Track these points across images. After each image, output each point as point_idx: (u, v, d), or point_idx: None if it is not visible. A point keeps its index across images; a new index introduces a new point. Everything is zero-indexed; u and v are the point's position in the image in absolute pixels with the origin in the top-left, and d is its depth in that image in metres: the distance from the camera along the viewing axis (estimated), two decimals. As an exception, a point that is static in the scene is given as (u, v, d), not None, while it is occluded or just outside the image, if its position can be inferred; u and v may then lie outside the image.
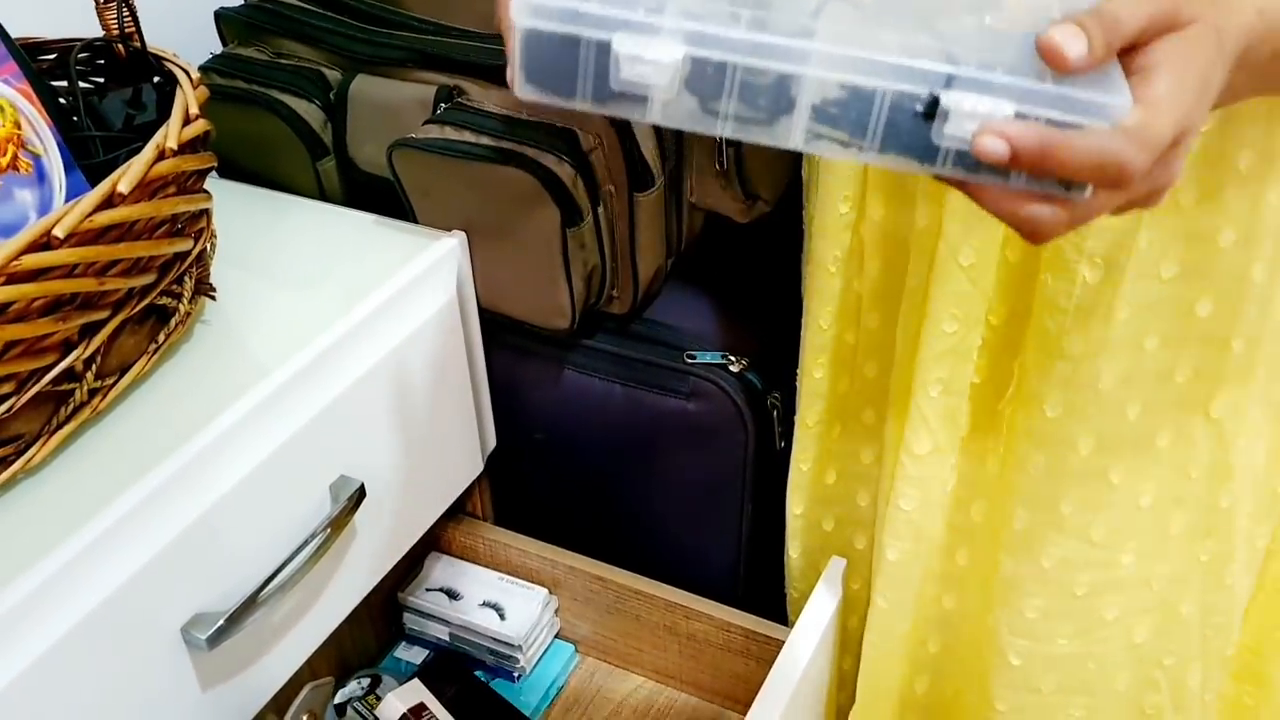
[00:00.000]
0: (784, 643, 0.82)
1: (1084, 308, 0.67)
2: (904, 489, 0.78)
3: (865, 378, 0.83)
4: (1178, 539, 0.74)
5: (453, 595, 1.02)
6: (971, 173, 0.47)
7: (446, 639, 1.02)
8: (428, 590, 1.03)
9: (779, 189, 0.93)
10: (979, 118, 0.45)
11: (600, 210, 0.86)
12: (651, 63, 0.46)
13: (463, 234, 0.90)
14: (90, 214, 0.64)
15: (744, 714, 0.78)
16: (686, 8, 0.46)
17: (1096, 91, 0.45)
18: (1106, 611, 0.76)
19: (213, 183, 0.78)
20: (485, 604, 1.01)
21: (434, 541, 1.06)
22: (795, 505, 0.91)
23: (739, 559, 0.98)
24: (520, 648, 0.99)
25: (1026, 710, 0.80)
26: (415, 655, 1.03)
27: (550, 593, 1.02)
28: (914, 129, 0.47)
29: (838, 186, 0.76)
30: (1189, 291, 0.66)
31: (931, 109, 0.46)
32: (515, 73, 0.47)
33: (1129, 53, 0.47)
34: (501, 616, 1.00)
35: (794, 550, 0.94)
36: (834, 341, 0.83)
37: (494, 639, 0.99)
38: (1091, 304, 0.66)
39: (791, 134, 0.48)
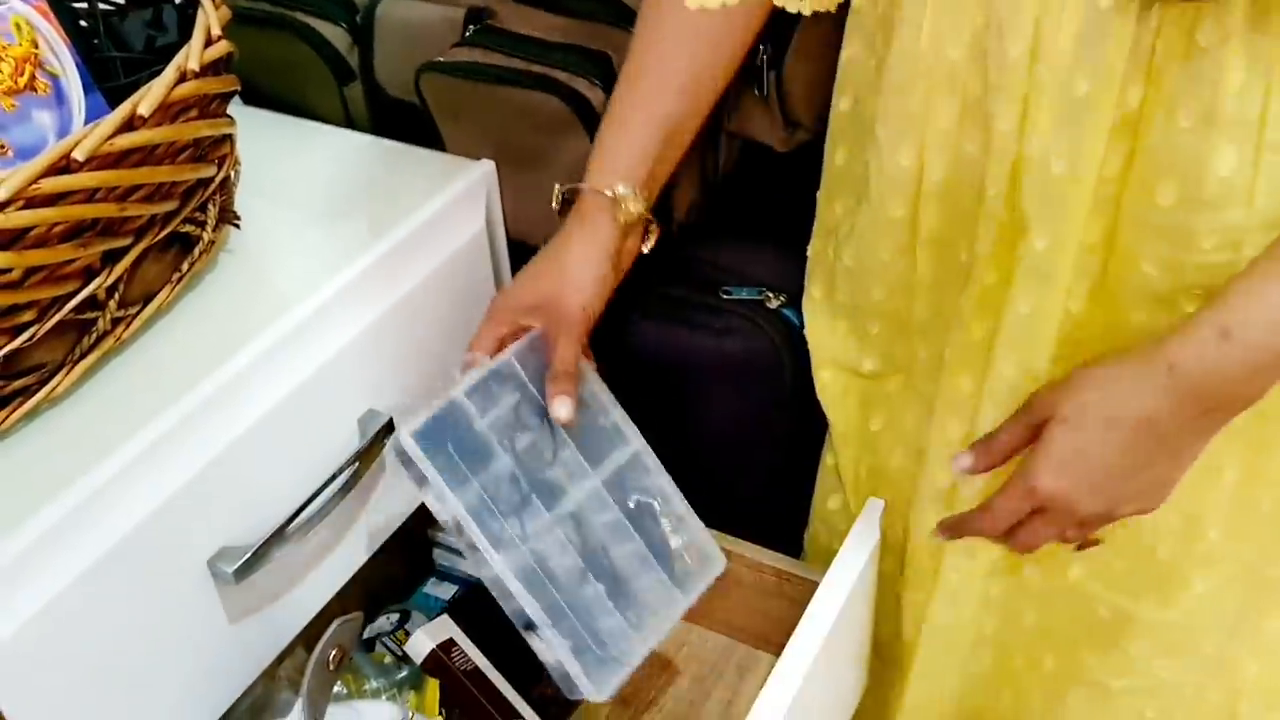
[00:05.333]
0: (818, 584, 0.80)
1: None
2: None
3: (916, 356, 0.81)
4: (1269, 516, 0.72)
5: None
6: None
7: (476, 575, 1.01)
8: None
9: (820, 116, 0.89)
10: None
11: (634, 138, 0.83)
12: None
13: (492, 162, 0.88)
14: (110, 137, 0.62)
15: (776, 656, 0.77)
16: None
17: None
18: (1196, 584, 0.75)
19: (235, 109, 0.76)
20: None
21: (463, 478, 1.05)
22: (842, 456, 0.90)
23: (772, 499, 0.96)
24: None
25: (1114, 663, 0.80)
26: (445, 591, 1.02)
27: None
28: None
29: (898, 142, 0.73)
30: None
31: None
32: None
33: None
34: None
35: (834, 503, 0.93)
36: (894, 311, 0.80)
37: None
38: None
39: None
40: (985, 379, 0.73)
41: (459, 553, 1.01)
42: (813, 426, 0.93)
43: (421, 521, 1.01)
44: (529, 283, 0.76)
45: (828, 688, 0.82)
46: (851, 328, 0.84)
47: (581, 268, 0.74)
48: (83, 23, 0.74)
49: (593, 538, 0.77)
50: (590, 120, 0.80)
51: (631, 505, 0.80)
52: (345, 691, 0.88)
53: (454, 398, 0.73)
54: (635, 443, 0.81)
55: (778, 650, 0.78)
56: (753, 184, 0.97)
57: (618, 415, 0.80)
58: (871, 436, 0.87)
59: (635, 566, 0.78)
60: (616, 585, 0.77)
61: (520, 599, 0.73)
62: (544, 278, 0.75)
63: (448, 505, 0.72)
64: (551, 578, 0.74)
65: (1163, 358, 0.59)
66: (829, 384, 0.87)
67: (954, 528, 0.71)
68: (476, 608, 0.99)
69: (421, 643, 0.90)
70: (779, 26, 0.79)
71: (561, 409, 0.72)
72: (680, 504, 0.82)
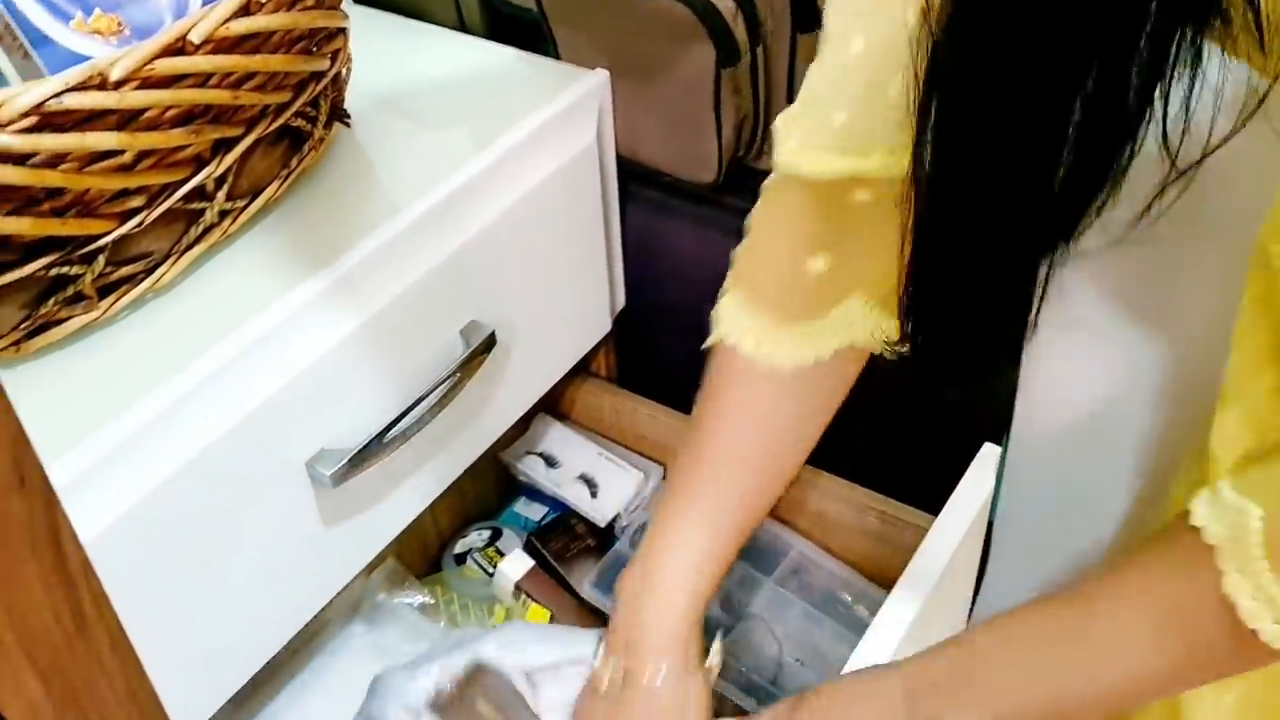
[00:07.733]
0: (923, 528, 0.77)
1: None
2: None
3: None
4: None
5: (550, 462, 0.98)
6: None
7: (565, 499, 1.00)
8: (528, 454, 0.99)
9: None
10: None
11: (759, 50, 0.79)
12: None
13: (606, 73, 0.84)
14: (226, 20, 0.60)
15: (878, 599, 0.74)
16: None
17: None
18: None
19: (349, 7, 0.73)
20: (580, 477, 0.97)
21: (555, 399, 1.02)
22: None
23: (879, 439, 0.92)
24: (609, 528, 0.95)
25: None
26: (535, 512, 1.00)
27: (645, 477, 0.96)
28: None
29: None
30: None
31: None
32: None
33: None
34: (593, 494, 0.96)
35: None
36: None
37: (582, 516, 0.96)
38: None
39: None
40: None
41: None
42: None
43: (501, 446, 0.99)
44: None
45: (932, 635, 0.79)
46: None
47: None
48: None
49: (786, 632, 0.85)
50: (716, 30, 0.75)
51: (816, 597, 0.87)
52: (432, 601, 0.87)
53: (617, 548, 0.89)
54: (797, 543, 0.90)
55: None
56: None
57: (774, 527, 0.90)
58: None
59: (837, 645, 0.83)
60: (824, 666, 0.83)
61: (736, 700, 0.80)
62: None
63: None
64: (755, 669, 0.82)
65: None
66: None
67: None
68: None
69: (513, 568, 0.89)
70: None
71: None
72: (860, 581, 0.88)
